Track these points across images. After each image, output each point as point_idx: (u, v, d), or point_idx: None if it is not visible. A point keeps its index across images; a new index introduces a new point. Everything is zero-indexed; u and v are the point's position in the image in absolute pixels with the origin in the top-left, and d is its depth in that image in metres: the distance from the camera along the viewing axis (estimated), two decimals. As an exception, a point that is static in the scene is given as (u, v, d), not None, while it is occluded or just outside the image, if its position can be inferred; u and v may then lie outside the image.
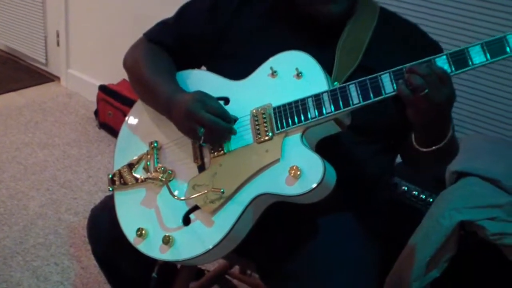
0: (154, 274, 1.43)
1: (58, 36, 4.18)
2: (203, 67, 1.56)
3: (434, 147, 1.29)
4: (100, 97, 3.54)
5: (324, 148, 1.29)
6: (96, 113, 3.65)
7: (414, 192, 2.06)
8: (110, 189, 1.48)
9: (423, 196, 2.05)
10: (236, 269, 2.20)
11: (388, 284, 1.88)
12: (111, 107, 3.46)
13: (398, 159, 1.57)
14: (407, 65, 1.17)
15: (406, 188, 2.06)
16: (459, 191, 1.86)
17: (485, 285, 1.82)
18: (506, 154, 2.05)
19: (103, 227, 1.54)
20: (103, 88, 3.53)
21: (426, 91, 1.13)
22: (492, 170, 1.89)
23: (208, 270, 2.17)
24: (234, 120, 1.34)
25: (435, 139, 1.29)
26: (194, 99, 1.31)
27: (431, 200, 2.01)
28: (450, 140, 1.29)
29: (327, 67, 1.33)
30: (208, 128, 1.28)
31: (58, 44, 4.21)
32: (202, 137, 1.29)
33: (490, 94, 2.27)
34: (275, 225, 1.38)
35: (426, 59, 1.18)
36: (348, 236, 1.43)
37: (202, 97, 1.32)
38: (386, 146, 1.47)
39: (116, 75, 3.44)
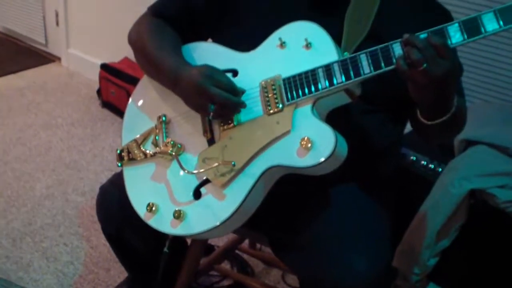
0: (165, 249, 1.42)
1: (57, 15, 4.14)
2: (210, 40, 1.54)
3: (438, 120, 1.26)
4: (102, 75, 3.52)
5: (332, 118, 1.29)
6: (98, 92, 3.64)
7: (423, 162, 2.05)
8: (119, 164, 1.47)
9: (432, 166, 2.04)
10: (245, 243, 2.20)
11: (399, 254, 1.89)
12: (113, 85, 3.44)
13: (406, 129, 1.56)
14: (405, 35, 1.15)
15: (414, 158, 2.05)
16: (468, 160, 1.86)
17: (496, 253, 1.82)
18: (513, 121, 2.05)
19: (113, 205, 1.53)
20: (105, 67, 3.51)
21: (424, 65, 1.11)
22: (500, 137, 1.89)
23: (218, 245, 2.17)
24: (242, 92, 1.33)
25: (438, 112, 1.26)
26: (203, 74, 1.30)
27: (440, 169, 2.00)
28: (455, 113, 1.26)
29: (336, 37, 1.31)
30: (218, 104, 1.27)
31: (57, 24, 4.17)
32: (212, 113, 1.28)
33: (496, 61, 2.27)
34: (286, 198, 1.37)
35: (437, 27, 1.16)
36: (359, 206, 1.43)
37: (211, 72, 1.31)
38: (395, 116, 1.46)
39: (117, 53, 3.42)
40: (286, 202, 1.40)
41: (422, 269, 1.83)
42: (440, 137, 1.46)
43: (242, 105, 1.31)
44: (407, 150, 2.05)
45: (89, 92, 3.78)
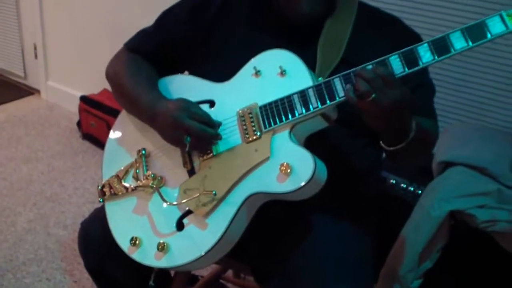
0: (151, 283, 1.42)
1: (35, 48, 4.15)
2: (186, 72, 1.55)
3: (398, 146, 1.28)
4: (82, 108, 3.52)
5: (312, 143, 1.30)
6: (78, 124, 3.63)
7: (402, 185, 2.07)
8: (101, 200, 1.47)
9: (412, 188, 2.06)
10: (230, 273, 2.19)
11: (382, 277, 1.89)
12: (93, 117, 3.44)
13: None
14: (359, 68, 1.18)
15: (394, 181, 2.07)
16: (447, 181, 1.87)
17: (478, 273, 1.83)
18: (490, 141, 2.07)
19: (95, 240, 1.52)
20: (84, 99, 3.51)
21: (373, 96, 1.14)
22: (478, 158, 1.91)
23: (202, 275, 2.16)
24: (218, 125, 1.34)
25: (396, 138, 1.28)
26: (178, 107, 1.31)
27: (419, 192, 2.02)
28: (414, 137, 1.27)
29: (310, 64, 1.33)
30: (194, 136, 1.29)
31: (36, 57, 4.18)
32: (188, 145, 1.29)
33: (470, 83, 2.30)
34: (268, 225, 1.37)
35: (407, 48, 1.18)
36: (340, 231, 1.43)
37: (186, 105, 1.32)
38: (374, 140, 1.48)
39: (97, 85, 3.43)
40: (267, 230, 1.40)
41: (407, 291, 1.83)
42: (406, 160, 1.48)
43: (218, 136, 1.32)
44: (387, 173, 2.07)
45: (69, 125, 3.77)
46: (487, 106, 2.29)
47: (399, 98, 1.17)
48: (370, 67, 1.18)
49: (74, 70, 3.93)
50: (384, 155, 1.61)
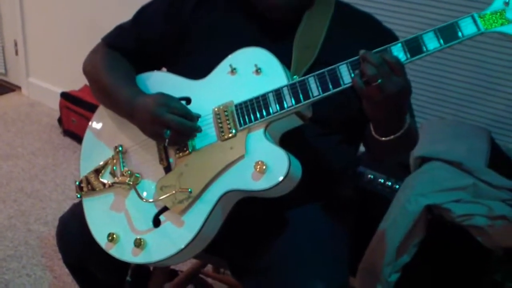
0: (128, 278, 1.43)
1: (16, 45, 4.12)
2: (164, 69, 1.56)
3: (392, 136, 1.29)
4: (63, 104, 3.51)
5: (287, 141, 1.31)
6: (59, 120, 3.62)
7: (380, 180, 2.09)
8: (78, 196, 1.48)
9: (389, 183, 2.08)
10: (209, 267, 2.21)
11: (361, 271, 1.92)
12: (74, 114, 3.43)
13: (362, 148, 1.60)
14: (362, 51, 1.18)
15: (372, 176, 2.09)
16: (423, 176, 1.90)
17: (455, 266, 1.86)
18: (466, 136, 2.10)
19: (73, 235, 1.53)
20: (65, 95, 3.50)
21: (379, 81, 1.14)
22: (453, 153, 1.94)
23: (181, 270, 2.17)
24: (197, 117, 1.35)
25: (392, 129, 1.29)
26: (157, 102, 1.31)
27: (397, 186, 2.04)
28: (407, 130, 1.29)
29: (286, 62, 1.34)
30: (174, 129, 1.29)
31: (16, 53, 4.15)
32: (167, 139, 1.29)
33: (447, 79, 2.33)
34: (244, 222, 1.39)
35: (381, 48, 1.20)
36: (317, 228, 1.45)
37: (165, 99, 1.32)
38: (349, 137, 1.49)
39: (78, 81, 3.40)
40: (244, 226, 1.41)
41: (385, 286, 1.85)
42: (392, 154, 1.49)
43: (198, 129, 1.33)
44: (365, 168, 2.09)
45: (50, 121, 3.75)
46: (465, 102, 2.33)
47: (404, 86, 1.18)
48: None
49: (55, 66, 3.92)
50: (361, 151, 1.63)
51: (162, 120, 1.29)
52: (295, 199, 1.31)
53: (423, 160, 1.97)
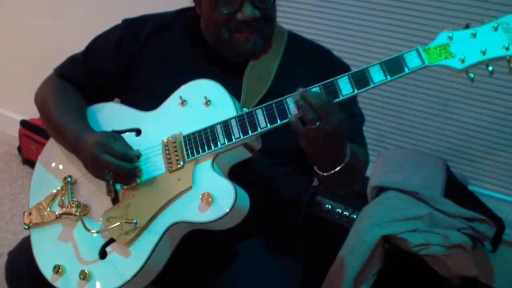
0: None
1: (-25, 72, 4.05)
2: (116, 99, 1.55)
3: (333, 171, 1.29)
4: (22, 132, 3.45)
5: (239, 173, 1.31)
6: (19, 149, 3.56)
7: (338, 210, 2.09)
8: (26, 227, 1.46)
9: (347, 213, 2.09)
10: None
11: (319, 302, 1.90)
12: (33, 142, 3.38)
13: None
14: (300, 90, 1.19)
15: (329, 206, 2.09)
16: (379, 206, 1.91)
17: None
18: (422, 165, 2.13)
19: (22, 270, 1.49)
20: (24, 123, 3.45)
21: (317, 123, 1.15)
22: (410, 183, 1.95)
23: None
24: (138, 156, 1.33)
25: (332, 163, 1.29)
26: (96, 143, 1.30)
27: (354, 216, 2.05)
28: (348, 162, 1.29)
29: (236, 94, 1.35)
30: (112, 172, 1.28)
31: (-24, 81, 4.08)
32: (109, 180, 1.28)
33: (406, 108, 2.35)
34: (194, 254, 1.38)
35: (327, 81, 1.20)
36: (269, 261, 1.45)
37: (105, 140, 1.30)
38: (302, 167, 1.49)
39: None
40: (194, 259, 1.40)
41: (344, 315, 1.84)
42: (338, 187, 1.49)
43: (136, 171, 1.31)
44: (322, 198, 2.10)
45: (10, 149, 3.68)
46: (422, 132, 2.36)
47: (339, 123, 1.19)
48: (316, 89, 1.20)
49: (15, 94, 3.85)
50: (316, 181, 1.63)
51: (100, 162, 1.28)
52: (248, 231, 1.30)
53: (380, 190, 1.98)
